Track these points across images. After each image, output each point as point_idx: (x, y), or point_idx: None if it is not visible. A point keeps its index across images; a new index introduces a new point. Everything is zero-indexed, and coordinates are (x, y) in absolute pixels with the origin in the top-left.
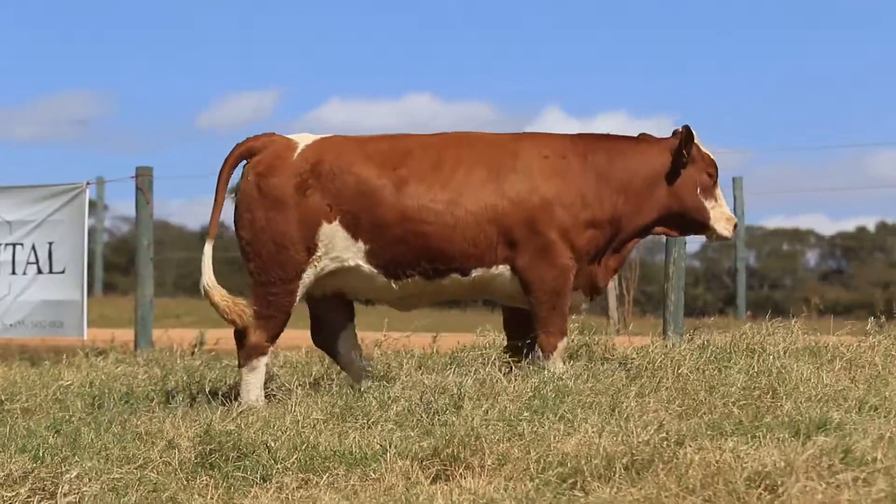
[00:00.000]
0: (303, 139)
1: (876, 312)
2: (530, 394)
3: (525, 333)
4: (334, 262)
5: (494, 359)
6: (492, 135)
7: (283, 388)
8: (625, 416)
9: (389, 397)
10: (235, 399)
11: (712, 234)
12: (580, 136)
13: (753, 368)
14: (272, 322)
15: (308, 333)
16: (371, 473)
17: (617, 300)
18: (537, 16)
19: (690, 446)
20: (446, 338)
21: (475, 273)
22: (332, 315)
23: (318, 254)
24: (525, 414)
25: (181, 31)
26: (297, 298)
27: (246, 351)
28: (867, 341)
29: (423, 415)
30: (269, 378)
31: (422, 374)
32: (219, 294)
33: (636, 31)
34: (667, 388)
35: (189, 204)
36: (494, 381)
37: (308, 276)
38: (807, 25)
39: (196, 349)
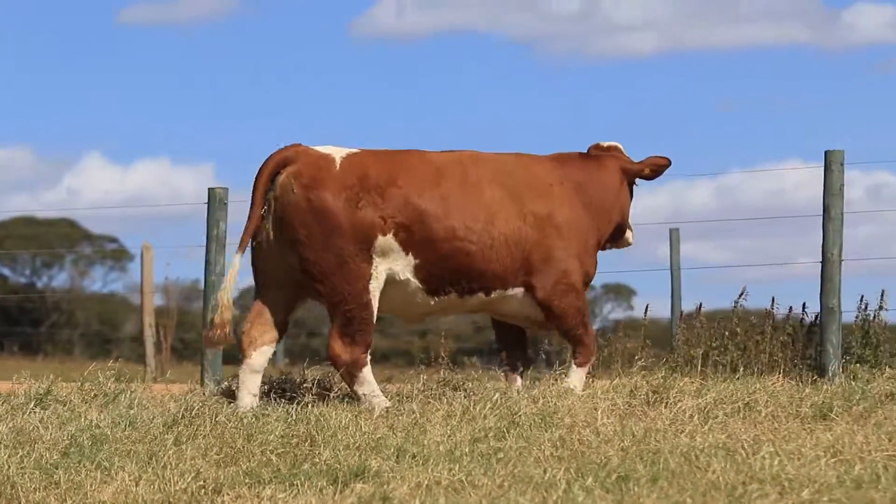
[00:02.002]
0: (335, 151)
1: (414, 360)
2: (67, 442)
3: (520, 347)
4: (387, 273)
5: (34, 406)
6: (501, 155)
7: None
8: (162, 464)
9: None
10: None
11: (626, 242)
12: (557, 157)
13: (292, 416)
14: (359, 336)
15: None
16: None
17: (154, 347)
18: (76, 60)
19: (228, 494)
20: None
21: (494, 294)
22: (272, 328)
23: (376, 264)
24: (61, 462)
25: None
26: (375, 308)
27: (347, 371)
28: (406, 389)
29: None
30: None
31: None
32: (227, 307)
33: (173, 78)
34: (204, 435)
35: None
36: (31, 428)
37: (375, 287)
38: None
39: None
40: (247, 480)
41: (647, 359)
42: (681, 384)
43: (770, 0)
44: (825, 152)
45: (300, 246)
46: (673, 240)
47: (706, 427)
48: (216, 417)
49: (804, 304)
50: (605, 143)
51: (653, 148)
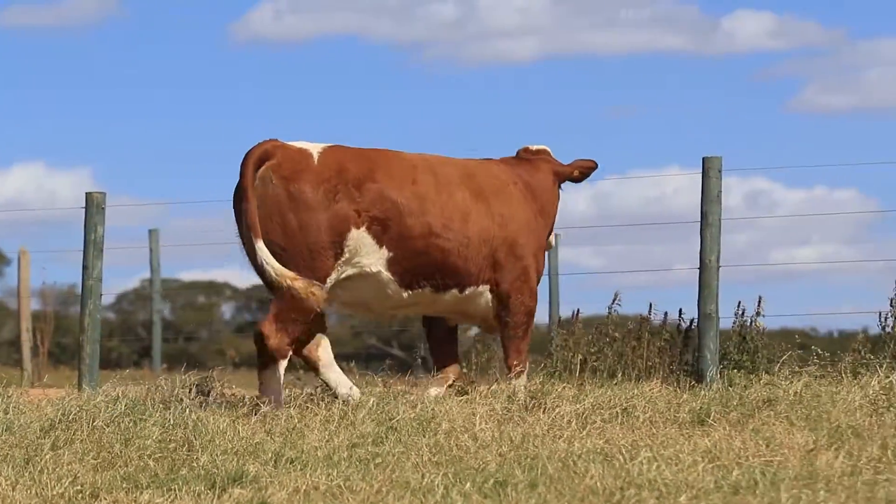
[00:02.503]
0: (311, 146)
1: (293, 365)
2: None
3: (450, 351)
4: (354, 267)
5: None
6: (462, 160)
7: None
8: (39, 468)
9: None
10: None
11: (549, 245)
12: (504, 160)
13: (169, 421)
14: (295, 326)
15: None
16: None
17: (31, 352)
18: None
19: (105, 499)
20: None
21: (468, 291)
22: (314, 327)
23: (343, 259)
24: None
25: None
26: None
27: (269, 354)
28: (285, 393)
29: None
30: None
31: None
32: (292, 275)
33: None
34: (82, 440)
35: None
36: None
37: (331, 282)
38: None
39: None
40: (124, 485)
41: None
42: (559, 390)
43: (649, 7)
44: (703, 159)
45: (272, 235)
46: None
47: (584, 432)
48: (93, 422)
49: (680, 310)
50: (534, 147)
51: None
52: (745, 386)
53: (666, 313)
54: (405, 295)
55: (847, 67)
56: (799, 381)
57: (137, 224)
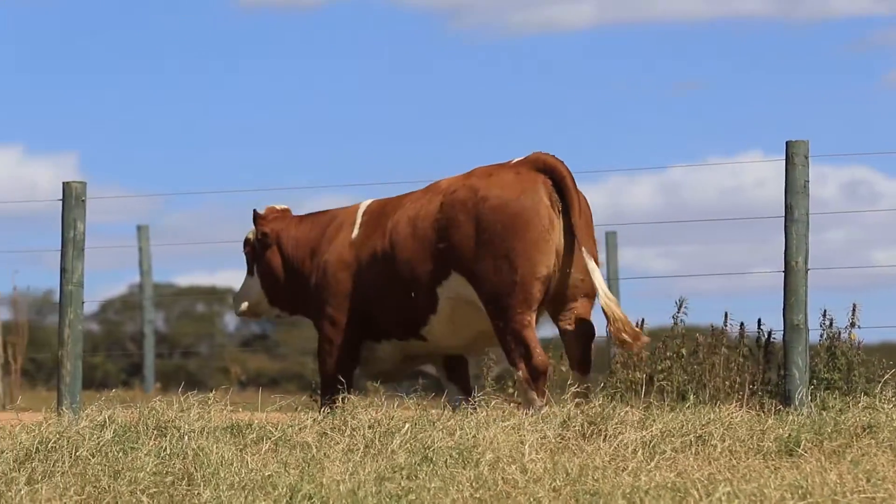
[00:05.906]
0: None
1: (308, 384)
2: None
3: None
4: None
5: None
6: None
7: None
8: None
9: None
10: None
11: None
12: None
13: (165, 451)
14: None
15: None
16: None
17: (2, 369)
18: None
19: None
20: None
21: None
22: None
23: None
24: None
25: None
26: None
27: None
28: (299, 418)
29: None
30: None
31: None
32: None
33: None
34: (63, 473)
35: None
36: None
37: None
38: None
39: None
40: None
41: (582, 384)
42: (622, 414)
43: None
44: (787, 143)
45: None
46: (610, 245)
47: (652, 464)
48: (76, 452)
49: (759, 320)
50: (280, 206)
51: (587, 138)
52: (840, 410)
53: (742, 324)
54: None
55: None
56: None
57: (125, 220)
